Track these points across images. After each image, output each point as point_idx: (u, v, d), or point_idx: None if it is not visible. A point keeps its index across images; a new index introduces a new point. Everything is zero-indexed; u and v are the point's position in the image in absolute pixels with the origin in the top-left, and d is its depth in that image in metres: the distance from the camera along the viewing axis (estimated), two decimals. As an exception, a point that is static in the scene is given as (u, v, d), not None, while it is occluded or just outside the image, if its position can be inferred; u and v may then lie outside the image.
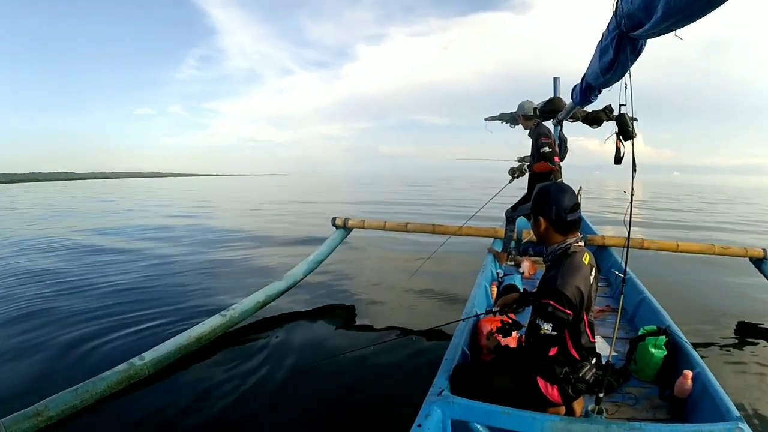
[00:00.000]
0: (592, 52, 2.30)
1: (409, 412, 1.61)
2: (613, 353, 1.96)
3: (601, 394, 1.60)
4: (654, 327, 2.31)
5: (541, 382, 1.63)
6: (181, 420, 2.45)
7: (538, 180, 3.79)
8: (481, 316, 2.44)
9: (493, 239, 4.64)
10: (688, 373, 1.83)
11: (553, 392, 1.62)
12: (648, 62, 1.89)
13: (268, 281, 4.13)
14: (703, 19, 1.24)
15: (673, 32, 1.40)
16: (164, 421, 2.44)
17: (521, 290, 2.98)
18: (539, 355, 1.62)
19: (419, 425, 1.50)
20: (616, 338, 2.01)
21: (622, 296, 1.86)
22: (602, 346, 2.33)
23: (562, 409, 1.69)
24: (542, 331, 1.53)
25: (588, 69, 2.55)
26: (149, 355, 2.82)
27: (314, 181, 71.53)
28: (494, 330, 2.05)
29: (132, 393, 2.62)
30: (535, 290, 1.78)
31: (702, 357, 2.04)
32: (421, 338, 3.35)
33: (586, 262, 1.60)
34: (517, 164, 4.38)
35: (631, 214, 1.78)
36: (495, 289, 3.28)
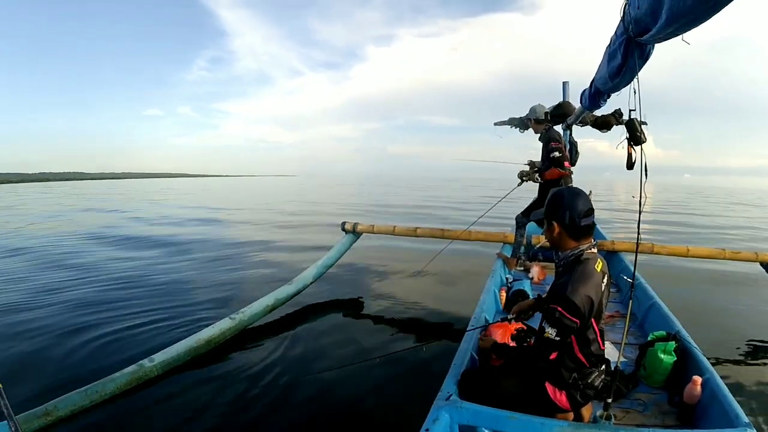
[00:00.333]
0: (601, 53, 2.29)
1: (417, 417, 1.61)
2: (622, 359, 1.95)
3: (610, 400, 1.60)
4: (663, 332, 2.29)
5: (549, 387, 1.63)
6: (187, 422, 2.48)
7: (550, 185, 3.77)
8: (491, 323, 2.43)
9: (502, 244, 4.62)
10: (698, 379, 1.81)
11: (561, 398, 1.62)
12: (655, 65, 1.90)
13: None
14: (709, 21, 1.23)
15: (680, 36, 1.40)
16: (171, 422, 2.47)
17: (530, 296, 2.98)
18: (540, 358, 1.62)
19: (427, 430, 1.50)
20: (626, 344, 2.00)
21: (631, 301, 1.85)
22: (611, 352, 2.31)
23: (571, 415, 1.68)
24: (546, 335, 1.53)
25: (597, 74, 2.55)
26: (159, 357, 2.85)
27: (323, 181, 71.51)
28: (509, 337, 2.06)
29: (139, 392, 2.67)
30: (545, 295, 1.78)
31: (711, 363, 2.02)
32: (430, 346, 3.34)
33: (599, 270, 1.59)
34: (527, 167, 4.33)
35: (639, 219, 1.78)
36: (504, 294, 3.27)
